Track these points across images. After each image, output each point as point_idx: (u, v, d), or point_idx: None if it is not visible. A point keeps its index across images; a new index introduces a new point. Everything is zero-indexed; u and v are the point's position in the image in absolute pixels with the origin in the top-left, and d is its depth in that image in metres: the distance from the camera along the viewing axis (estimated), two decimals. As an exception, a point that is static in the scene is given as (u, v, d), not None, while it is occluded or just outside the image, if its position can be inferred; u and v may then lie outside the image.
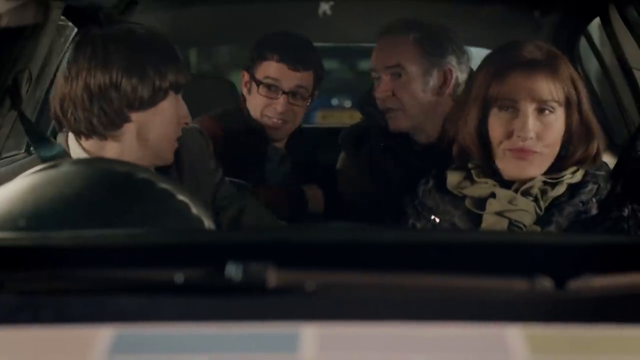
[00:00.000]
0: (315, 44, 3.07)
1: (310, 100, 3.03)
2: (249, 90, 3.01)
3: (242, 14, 3.66)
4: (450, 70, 2.78)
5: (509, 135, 2.09)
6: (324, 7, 3.50)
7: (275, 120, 2.96)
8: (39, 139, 2.47)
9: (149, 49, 2.16)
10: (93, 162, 1.83)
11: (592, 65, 3.67)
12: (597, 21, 3.15)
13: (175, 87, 2.17)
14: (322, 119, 9.90)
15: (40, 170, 1.57)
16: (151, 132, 2.18)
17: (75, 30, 3.08)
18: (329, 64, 11.23)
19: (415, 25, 2.80)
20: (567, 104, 2.09)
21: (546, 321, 1.10)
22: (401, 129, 2.80)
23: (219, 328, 1.08)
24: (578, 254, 1.28)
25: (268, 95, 2.94)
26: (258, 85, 2.95)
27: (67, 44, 2.94)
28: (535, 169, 2.11)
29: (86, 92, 2.14)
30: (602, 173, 2.17)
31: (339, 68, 10.41)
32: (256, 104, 2.98)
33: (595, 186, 2.14)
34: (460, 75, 2.80)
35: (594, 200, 2.12)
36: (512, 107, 2.09)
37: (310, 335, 1.06)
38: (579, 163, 2.13)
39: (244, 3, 3.66)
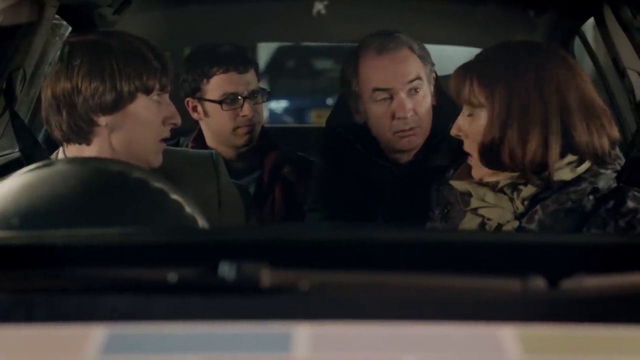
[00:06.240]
0: (310, 44, 3.09)
1: (266, 95, 3.05)
2: (205, 114, 2.98)
3: (236, 13, 3.66)
4: (437, 75, 2.75)
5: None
6: (319, 7, 3.50)
7: (247, 127, 2.95)
8: (27, 141, 2.48)
9: (112, 53, 2.14)
10: (87, 161, 1.83)
11: (586, 65, 3.67)
12: (591, 21, 3.15)
13: (144, 89, 2.14)
14: (316, 119, 9.91)
15: (34, 168, 1.57)
16: (125, 135, 2.16)
17: (70, 29, 3.09)
18: (324, 64, 11.27)
19: (408, 36, 2.71)
20: (489, 107, 2.07)
21: (539, 321, 1.10)
22: (413, 148, 2.71)
23: (212, 327, 1.08)
24: (571, 254, 1.28)
25: (232, 108, 2.93)
26: (221, 104, 2.93)
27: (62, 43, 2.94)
28: (483, 172, 2.14)
29: (54, 98, 2.15)
30: (606, 172, 2.11)
31: (333, 67, 10.41)
32: (223, 121, 2.96)
33: (591, 186, 2.09)
34: None
35: (591, 197, 2.09)
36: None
37: (303, 334, 1.06)
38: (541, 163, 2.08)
39: (238, 2, 3.66)
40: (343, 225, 2.16)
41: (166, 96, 2.21)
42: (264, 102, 3.05)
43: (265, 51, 11.74)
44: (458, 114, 2.17)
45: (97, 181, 1.61)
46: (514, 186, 2.10)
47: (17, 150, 2.76)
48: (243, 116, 2.92)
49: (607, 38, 2.96)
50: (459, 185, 2.17)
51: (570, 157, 2.08)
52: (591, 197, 2.09)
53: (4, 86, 2.50)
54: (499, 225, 2.08)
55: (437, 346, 1.05)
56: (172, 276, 1.16)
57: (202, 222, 1.52)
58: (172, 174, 2.07)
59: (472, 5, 3.45)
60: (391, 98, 2.66)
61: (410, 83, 2.65)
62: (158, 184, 1.56)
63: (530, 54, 2.12)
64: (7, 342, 1.08)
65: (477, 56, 2.16)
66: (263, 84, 3.10)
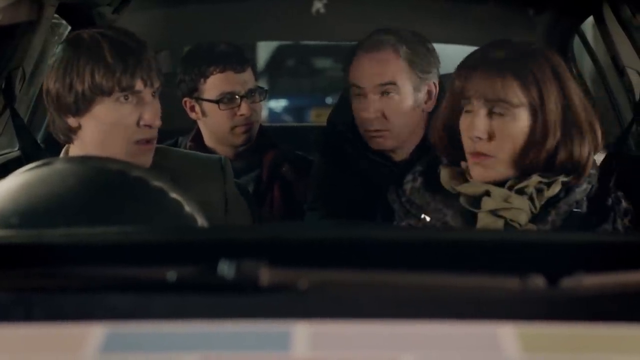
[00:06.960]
0: (309, 43, 3.09)
1: (264, 94, 3.05)
2: (203, 113, 2.98)
3: (236, 12, 3.66)
4: (435, 85, 2.71)
5: (468, 136, 2.09)
6: (318, 6, 3.50)
7: (245, 126, 2.95)
8: (27, 140, 2.48)
9: (75, 53, 2.12)
10: (86, 160, 1.83)
11: (585, 64, 3.67)
12: (590, 20, 3.15)
13: (101, 91, 2.10)
14: (316, 118, 9.92)
15: (33, 168, 1.57)
16: (97, 137, 2.15)
17: (69, 28, 3.09)
18: (323, 63, 11.27)
19: (400, 38, 2.67)
20: (532, 107, 2.03)
21: (538, 319, 1.10)
22: (385, 149, 2.70)
23: (211, 326, 1.08)
24: (570, 252, 1.28)
25: (229, 107, 2.93)
26: (218, 103, 2.92)
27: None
28: (493, 174, 2.08)
29: (44, 98, 2.18)
30: (593, 172, 2.13)
31: (332, 66, 10.41)
32: (220, 121, 2.95)
33: (590, 186, 2.11)
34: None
35: (585, 199, 2.10)
36: (469, 105, 2.08)
37: (302, 333, 1.06)
38: (571, 164, 2.07)
39: (238, 1, 3.66)
40: (342, 224, 2.16)
41: (143, 96, 2.16)
42: (261, 100, 3.05)
43: (264, 50, 11.75)
44: None
45: (97, 180, 1.60)
46: (539, 187, 2.08)
47: (16, 149, 2.77)
48: (241, 115, 2.92)
49: (607, 37, 2.96)
50: (472, 187, 2.11)
51: None
52: (585, 198, 2.10)
53: (3, 85, 2.50)
54: (520, 226, 2.07)
55: (436, 345, 1.05)
56: (171, 275, 1.16)
57: (201, 221, 1.52)
58: (178, 177, 2.07)
59: (472, 4, 3.45)
60: (364, 96, 2.66)
61: (381, 86, 2.63)
62: (157, 183, 1.56)
63: (547, 52, 2.12)
64: (6, 341, 1.07)
65: (489, 52, 2.09)
66: (263, 83, 3.11)
